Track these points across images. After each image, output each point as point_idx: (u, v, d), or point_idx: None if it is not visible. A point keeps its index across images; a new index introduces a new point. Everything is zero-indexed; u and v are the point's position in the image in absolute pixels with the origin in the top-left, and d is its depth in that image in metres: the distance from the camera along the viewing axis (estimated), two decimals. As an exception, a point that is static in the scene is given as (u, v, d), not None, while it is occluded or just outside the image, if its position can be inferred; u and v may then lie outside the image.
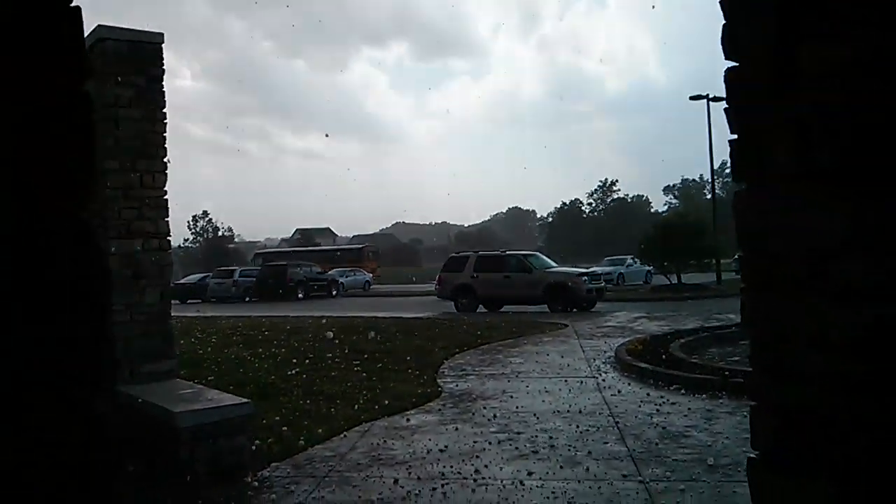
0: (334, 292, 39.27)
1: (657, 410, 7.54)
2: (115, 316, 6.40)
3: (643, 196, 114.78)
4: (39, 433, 1.17)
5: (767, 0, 1.90)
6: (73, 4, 1.22)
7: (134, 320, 6.61)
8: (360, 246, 60.27)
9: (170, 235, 7.09)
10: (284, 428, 7.13)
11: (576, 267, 28.79)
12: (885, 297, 1.66)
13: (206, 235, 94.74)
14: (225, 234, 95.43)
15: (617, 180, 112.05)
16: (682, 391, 8.49)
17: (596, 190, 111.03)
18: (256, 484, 5.56)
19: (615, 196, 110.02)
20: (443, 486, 5.33)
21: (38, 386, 1.18)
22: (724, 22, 2.02)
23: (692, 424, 6.93)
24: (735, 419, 6.99)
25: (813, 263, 1.87)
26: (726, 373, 8.87)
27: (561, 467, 5.68)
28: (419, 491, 5.23)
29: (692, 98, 34.45)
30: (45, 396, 1.18)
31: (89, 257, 1.24)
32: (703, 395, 8.18)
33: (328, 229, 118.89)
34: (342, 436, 6.97)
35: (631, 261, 41.37)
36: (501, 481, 5.39)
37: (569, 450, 6.15)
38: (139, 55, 6.89)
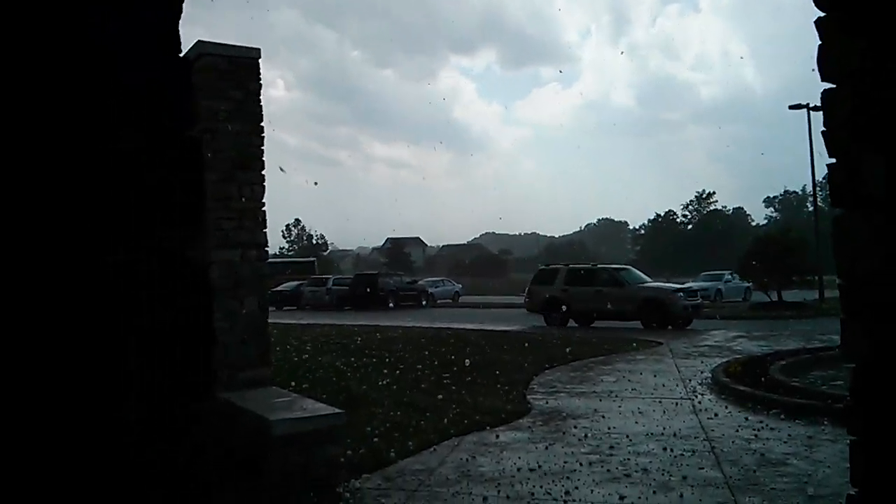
0: (424, 302, 39.60)
1: (755, 436, 7.28)
2: (215, 323, 6.64)
3: (741, 208, 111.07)
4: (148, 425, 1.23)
5: (860, 21, 1.82)
6: (182, 56, 1.29)
7: (232, 329, 6.81)
8: (312, 259, 61.56)
9: (267, 246, 7.28)
10: (375, 439, 7.22)
11: (670, 282, 28.10)
12: None
13: (300, 244, 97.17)
14: (318, 241, 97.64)
15: (714, 192, 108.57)
16: (782, 416, 8.17)
17: (692, 201, 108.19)
18: (348, 495, 5.66)
19: (712, 208, 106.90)
20: (532, 506, 5.30)
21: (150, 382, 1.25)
22: (819, 42, 1.95)
23: (792, 452, 6.66)
24: (837, 447, 6.67)
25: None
26: (828, 398, 8.48)
27: (654, 492, 5.55)
28: (508, 510, 5.21)
29: (791, 107, 33.15)
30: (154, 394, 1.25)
31: (196, 286, 1.30)
32: (804, 421, 7.85)
33: (418, 238, 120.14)
34: (432, 449, 7.01)
35: (729, 276, 39.93)
36: (592, 504, 5.31)
37: (662, 474, 6.00)
38: (237, 70, 7.13)
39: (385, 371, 11.70)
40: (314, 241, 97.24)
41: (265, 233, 7.26)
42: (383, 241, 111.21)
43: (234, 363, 6.78)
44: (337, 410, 6.20)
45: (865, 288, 1.98)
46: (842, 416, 2.07)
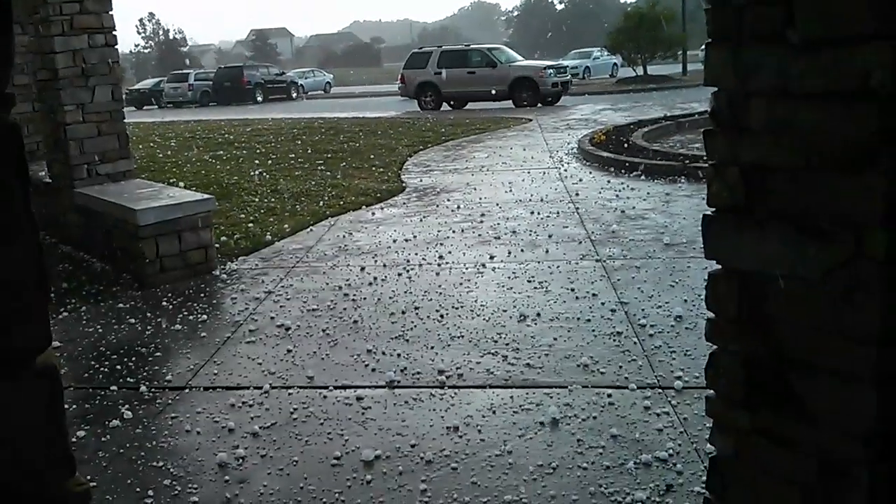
0: (294, 95, 38.35)
1: (617, 196, 7.69)
2: (66, 116, 6.26)
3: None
4: None
5: None
6: None
7: (86, 120, 6.45)
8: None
9: (115, 30, 6.75)
10: (250, 224, 7.19)
11: (543, 61, 28.18)
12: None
13: (156, 39, 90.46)
14: (176, 36, 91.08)
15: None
16: (643, 177, 8.62)
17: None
18: (225, 276, 5.67)
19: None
20: (408, 271, 5.49)
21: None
22: None
23: (650, 207, 7.10)
24: (693, 201, 7.17)
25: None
26: (686, 159, 8.98)
27: (522, 250, 5.85)
28: (385, 276, 5.39)
29: None
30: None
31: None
32: (663, 181, 8.33)
33: (284, 29, 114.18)
34: (308, 230, 7.06)
35: (598, 53, 40.51)
36: (464, 265, 5.55)
37: (530, 235, 6.30)
38: None
39: (257, 162, 11.45)
40: (171, 36, 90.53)
41: (111, 15, 6.70)
42: (247, 33, 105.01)
43: (91, 157, 6.49)
44: (206, 196, 6.08)
45: (735, 12, 1.98)
46: (703, 139, 2.13)
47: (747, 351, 2.17)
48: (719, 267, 2.23)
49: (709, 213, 2.25)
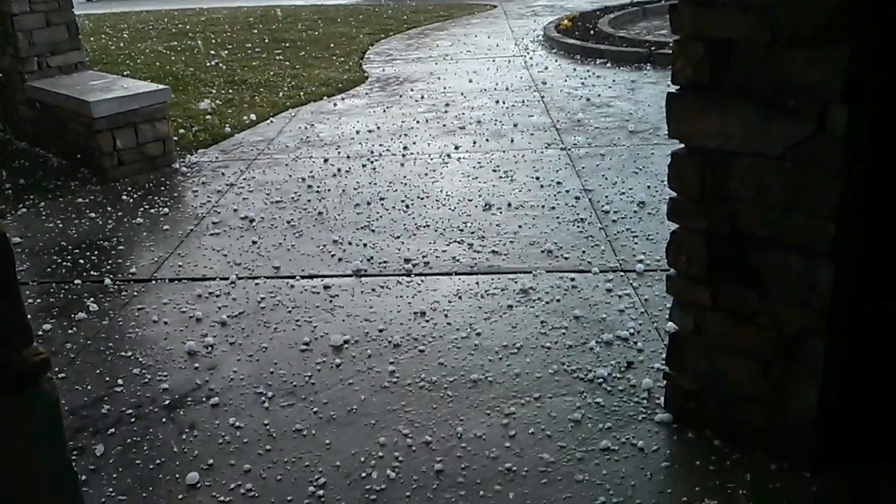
0: (250, -18, 36.81)
1: (582, 84, 7.60)
2: (12, 6, 5.99)
3: None
4: None
5: None
6: None
7: (33, 10, 6.19)
8: None
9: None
10: (209, 117, 7.02)
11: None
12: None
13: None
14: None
15: None
16: (609, 65, 8.52)
17: None
18: (185, 169, 5.57)
19: None
20: (372, 162, 5.43)
21: None
22: None
23: (616, 95, 7.04)
24: (658, 88, 7.13)
25: None
26: (652, 46, 8.85)
27: (487, 140, 5.80)
28: (349, 168, 5.33)
29: None
30: None
31: None
32: (629, 68, 8.24)
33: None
34: (269, 122, 6.91)
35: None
36: (429, 155, 5.51)
37: (495, 124, 6.24)
38: None
39: (212, 52, 11.06)
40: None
41: None
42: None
43: (41, 48, 6.25)
44: (161, 87, 5.89)
45: None
46: (669, 14, 2.11)
47: (709, 229, 2.20)
48: (682, 146, 2.24)
49: (673, 90, 2.24)
